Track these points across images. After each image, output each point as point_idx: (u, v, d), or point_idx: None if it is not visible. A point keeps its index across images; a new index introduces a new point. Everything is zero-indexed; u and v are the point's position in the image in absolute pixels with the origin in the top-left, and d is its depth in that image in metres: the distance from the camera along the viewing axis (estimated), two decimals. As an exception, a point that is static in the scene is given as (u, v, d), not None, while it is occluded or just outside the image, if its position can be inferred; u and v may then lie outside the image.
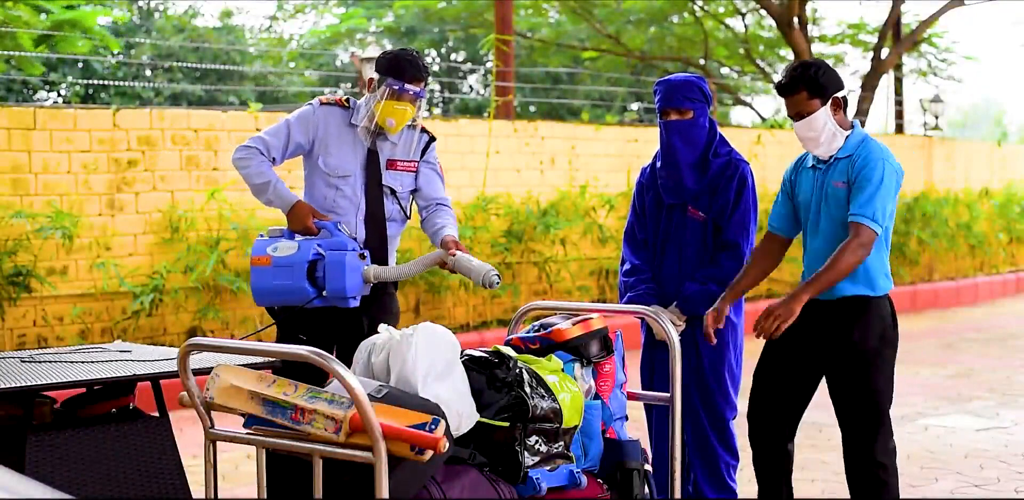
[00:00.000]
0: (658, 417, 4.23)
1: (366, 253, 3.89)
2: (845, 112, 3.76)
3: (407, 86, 4.02)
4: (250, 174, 4.10)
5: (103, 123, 7.45)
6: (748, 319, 4.18)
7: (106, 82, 14.00)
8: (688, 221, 4.20)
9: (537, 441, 3.16)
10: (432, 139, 4.26)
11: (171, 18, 18.74)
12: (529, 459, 3.13)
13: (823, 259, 3.65)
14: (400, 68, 4.05)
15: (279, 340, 4.12)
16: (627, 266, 4.36)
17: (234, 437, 2.94)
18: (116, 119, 7.50)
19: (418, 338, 3.03)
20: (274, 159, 4.13)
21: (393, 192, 4.15)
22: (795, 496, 4.06)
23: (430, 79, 4.22)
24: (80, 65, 16.33)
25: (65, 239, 7.04)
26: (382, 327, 3.15)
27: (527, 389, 3.16)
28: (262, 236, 4.01)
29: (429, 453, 2.68)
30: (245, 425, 2.89)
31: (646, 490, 3.41)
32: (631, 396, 3.66)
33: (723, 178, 4.16)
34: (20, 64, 12.20)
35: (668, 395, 3.54)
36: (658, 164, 4.28)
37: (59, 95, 17.41)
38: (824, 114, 3.67)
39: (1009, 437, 6.05)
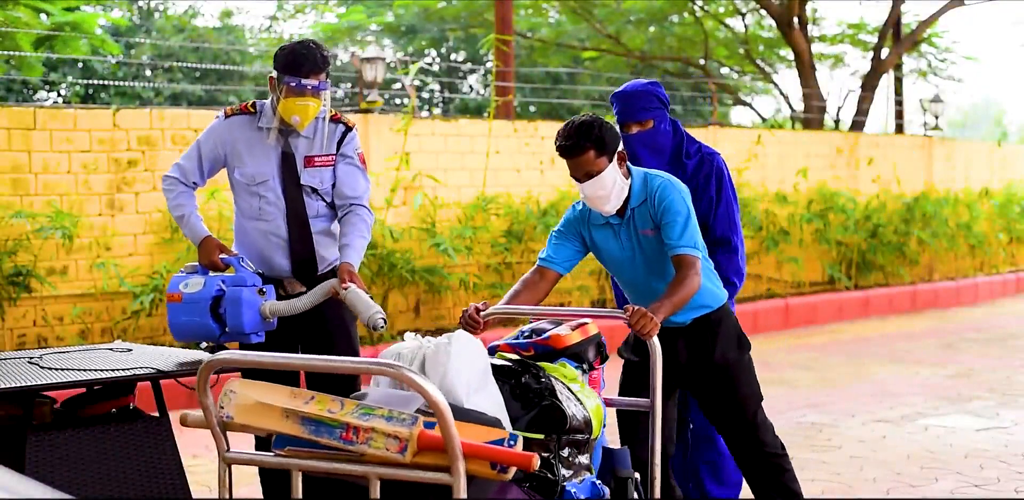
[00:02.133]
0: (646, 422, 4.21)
1: (266, 288, 3.79)
2: (626, 163, 3.67)
3: (304, 81, 3.91)
4: (169, 208, 4.11)
5: (103, 123, 7.45)
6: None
7: (106, 82, 13.99)
8: None
9: (570, 453, 3.04)
10: (348, 129, 4.09)
11: (171, 18, 18.73)
12: (564, 471, 2.98)
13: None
14: (295, 63, 3.92)
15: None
16: None
17: (259, 460, 2.73)
18: (116, 119, 7.50)
19: (455, 347, 2.85)
20: (195, 183, 4.10)
21: (315, 190, 4.04)
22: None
23: (330, 69, 4.07)
24: (80, 65, 16.32)
25: (65, 239, 7.04)
26: (408, 335, 3.02)
27: (561, 398, 3.03)
28: (181, 272, 3.98)
29: (512, 471, 2.48)
30: (275, 446, 2.66)
31: (636, 497, 3.35)
32: (608, 403, 3.52)
33: (700, 176, 4.17)
34: (19, 66, 12.19)
35: (648, 401, 3.41)
36: None
37: (59, 95, 17.40)
38: (612, 170, 3.57)
39: (1009, 437, 6.05)
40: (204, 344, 3.91)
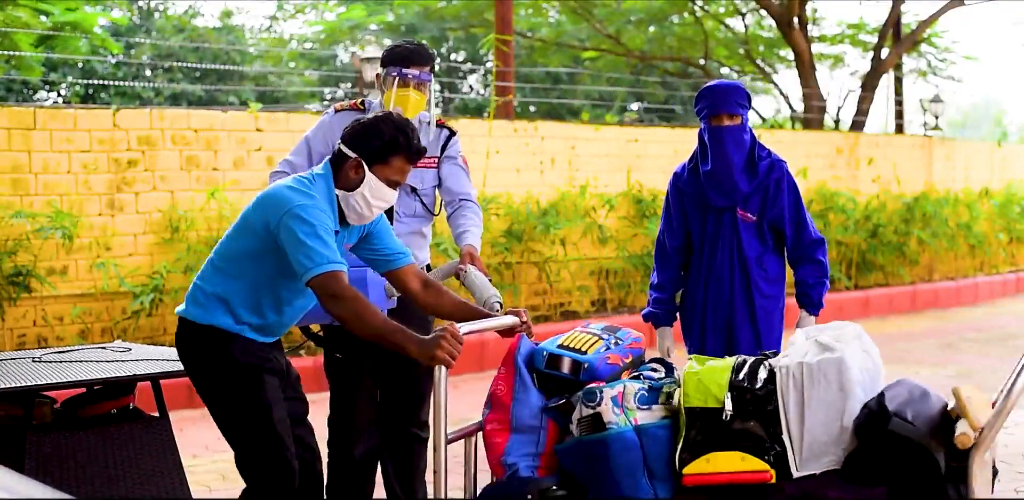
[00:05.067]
0: None
1: None
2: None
3: (405, 70, 4.05)
4: None
5: (103, 123, 7.45)
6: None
7: (106, 82, 14.00)
8: (740, 223, 4.29)
9: None
10: (452, 134, 4.26)
11: (171, 18, 18.72)
12: None
13: None
14: (399, 55, 4.09)
15: (326, 359, 4.15)
16: (654, 279, 4.48)
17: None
18: (116, 119, 7.50)
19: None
20: None
21: (414, 190, 4.16)
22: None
23: (436, 66, 4.22)
24: (80, 65, 16.32)
25: (65, 239, 7.04)
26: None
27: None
28: None
29: None
30: None
31: None
32: None
33: (770, 180, 4.29)
34: (19, 66, 12.19)
35: None
36: (703, 168, 4.33)
37: (59, 95, 17.40)
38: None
39: (1009, 437, 6.04)
40: (318, 327, 3.97)
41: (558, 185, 9.89)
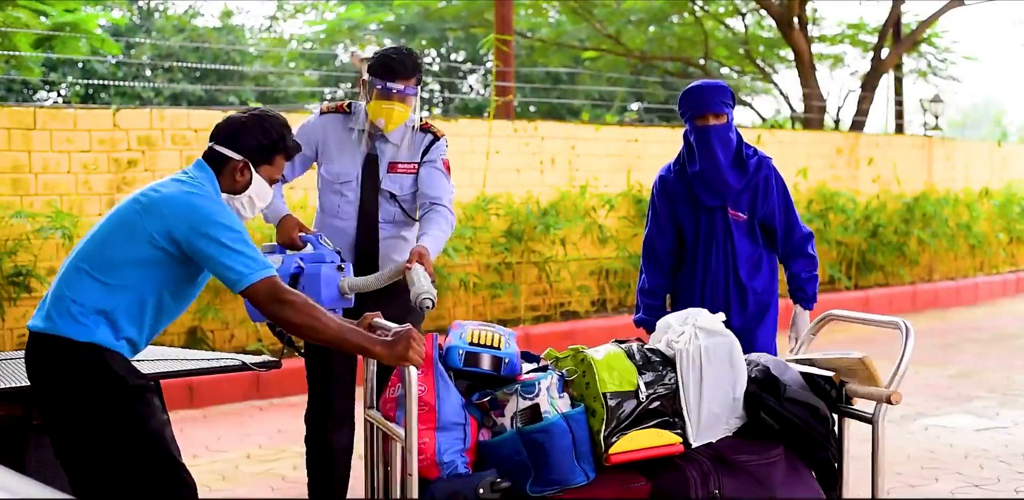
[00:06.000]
0: None
1: (344, 265, 3.82)
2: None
3: (389, 85, 4.00)
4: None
5: (103, 123, 7.45)
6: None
7: (106, 82, 14.00)
8: (732, 223, 4.30)
9: None
10: (436, 138, 4.19)
11: (171, 18, 18.72)
12: None
13: None
14: (382, 67, 4.04)
15: (307, 356, 4.15)
16: (642, 283, 4.48)
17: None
18: (116, 119, 7.50)
19: None
20: (283, 178, 4.14)
21: (393, 196, 4.13)
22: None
23: (423, 77, 4.18)
24: (80, 65, 16.32)
25: (65, 239, 7.04)
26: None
27: None
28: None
29: None
30: None
31: None
32: None
33: (759, 177, 4.31)
34: (18, 66, 12.18)
35: None
36: (691, 169, 4.35)
37: (59, 95, 17.40)
38: None
39: (1009, 437, 6.05)
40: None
41: (558, 185, 9.89)
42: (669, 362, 3.34)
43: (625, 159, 10.51)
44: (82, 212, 7.29)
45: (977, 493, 4.98)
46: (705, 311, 3.47)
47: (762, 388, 3.35)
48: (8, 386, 3.42)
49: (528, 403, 3.17)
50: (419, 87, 4.12)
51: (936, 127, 16.27)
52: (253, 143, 3.20)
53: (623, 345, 3.41)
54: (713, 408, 3.30)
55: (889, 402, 3.35)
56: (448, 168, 4.22)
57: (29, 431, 3.59)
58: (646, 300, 4.44)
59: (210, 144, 3.23)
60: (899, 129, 16.50)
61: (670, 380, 3.30)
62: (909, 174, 13.80)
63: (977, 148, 16.66)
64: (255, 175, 3.20)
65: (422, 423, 3.16)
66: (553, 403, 3.19)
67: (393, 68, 4.02)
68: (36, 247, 7.04)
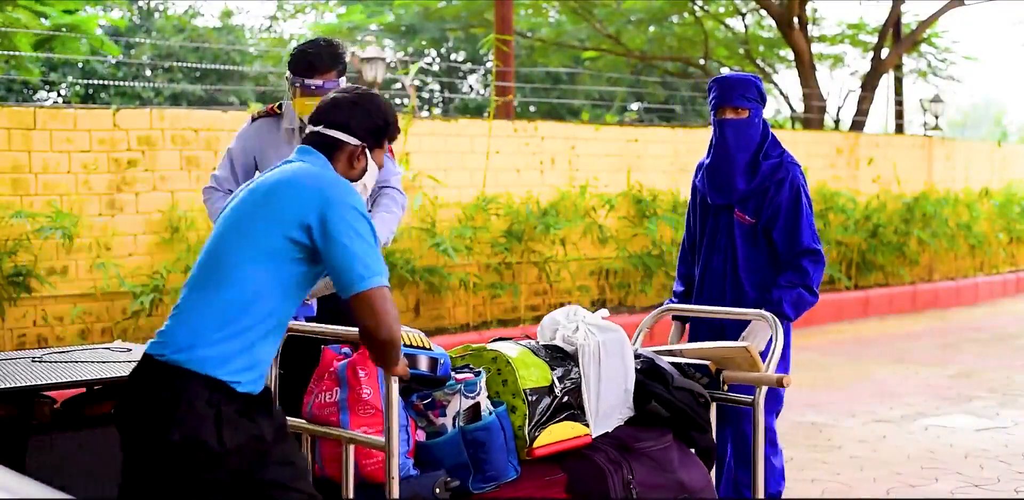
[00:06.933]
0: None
1: None
2: None
3: (307, 81, 3.93)
4: (209, 216, 4.16)
5: (103, 123, 7.45)
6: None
7: (106, 82, 14.00)
8: (737, 225, 4.14)
9: None
10: None
11: (171, 18, 18.73)
12: None
13: None
14: (299, 64, 3.96)
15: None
16: (679, 269, 4.45)
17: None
18: (116, 119, 7.50)
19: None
20: (229, 190, 4.12)
21: None
22: (795, 496, 4.05)
23: (346, 68, 4.06)
24: (80, 65, 16.32)
25: (65, 239, 7.04)
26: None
27: None
28: None
29: None
30: None
31: None
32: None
33: (772, 181, 4.09)
34: (18, 67, 12.19)
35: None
36: (705, 162, 4.24)
37: (59, 95, 17.41)
38: None
39: (1009, 437, 6.05)
40: None
41: (558, 185, 9.89)
42: (571, 357, 3.48)
43: (625, 159, 10.50)
44: (82, 212, 7.29)
45: (977, 493, 4.98)
46: (576, 306, 3.64)
47: (649, 377, 3.55)
48: (8, 386, 3.42)
49: (470, 402, 3.24)
50: (342, 77, 4.01)
51: (936, 127, 16.27)
52: (369, 125, 2.87)
53: (522, 342, 3.53)
54: (610, 399, 3.46)
55: (781, 385, 3.55)
56: (391, 151, 4.11)
57: (29, 431, 3.60)
58: (676, 286, 4.40)
59: (316, 128, 2.87)
60: (899, 129, 16.50)
61: (575, 374, 3.44)
62: (909, 174, 13.80)
63: (977, 148, 16.66)
64: (370, 161, 2.90)
65: (372, 426, 3.17)
66: (487, 402, 3.28)
67: (311, 63, 3.93)
68: (36, 247, 7.04)
